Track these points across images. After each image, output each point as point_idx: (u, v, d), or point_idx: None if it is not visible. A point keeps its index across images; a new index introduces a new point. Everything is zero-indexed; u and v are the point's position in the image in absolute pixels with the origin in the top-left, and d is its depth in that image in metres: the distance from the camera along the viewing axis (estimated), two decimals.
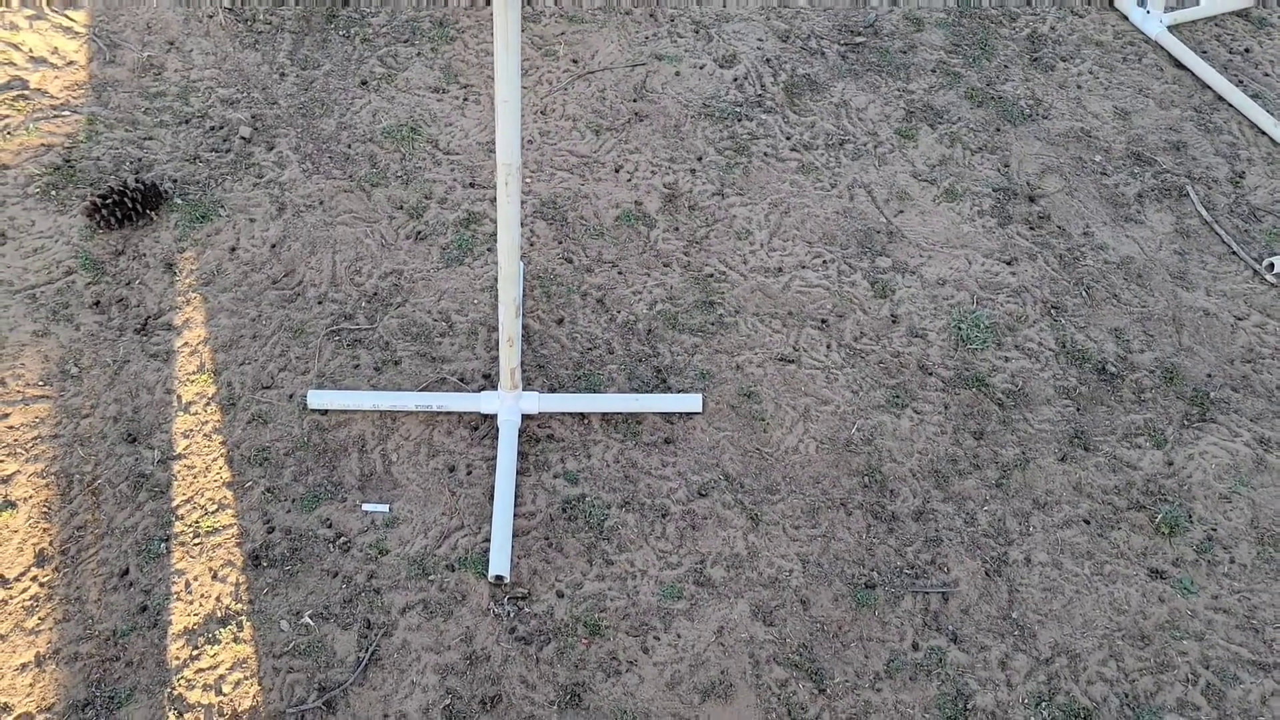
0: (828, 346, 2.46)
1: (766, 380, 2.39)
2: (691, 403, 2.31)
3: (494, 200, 2.66)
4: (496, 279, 2.48)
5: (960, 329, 2.51)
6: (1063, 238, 2.72)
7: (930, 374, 2.43)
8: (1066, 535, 2.21)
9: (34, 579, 1.98)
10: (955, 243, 2.69)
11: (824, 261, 2.63)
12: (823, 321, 2.51)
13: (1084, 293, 2.61)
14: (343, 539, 2.08)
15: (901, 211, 2.75)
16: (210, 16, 2.94)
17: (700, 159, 2.82)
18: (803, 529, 2.17)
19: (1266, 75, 3.19)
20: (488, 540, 2.09)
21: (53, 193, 2.51)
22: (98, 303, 2.35)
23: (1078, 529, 2.22)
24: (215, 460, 2.16)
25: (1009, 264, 2.66)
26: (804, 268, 2.61)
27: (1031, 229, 2.74)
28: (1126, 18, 3.31)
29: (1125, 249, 2.72)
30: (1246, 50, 3.26)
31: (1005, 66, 3.15)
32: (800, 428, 2.32)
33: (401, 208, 2.62)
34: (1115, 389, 2.45)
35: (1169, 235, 2.76)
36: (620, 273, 2.57)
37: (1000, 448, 2.32)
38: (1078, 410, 2.40)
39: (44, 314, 2.31)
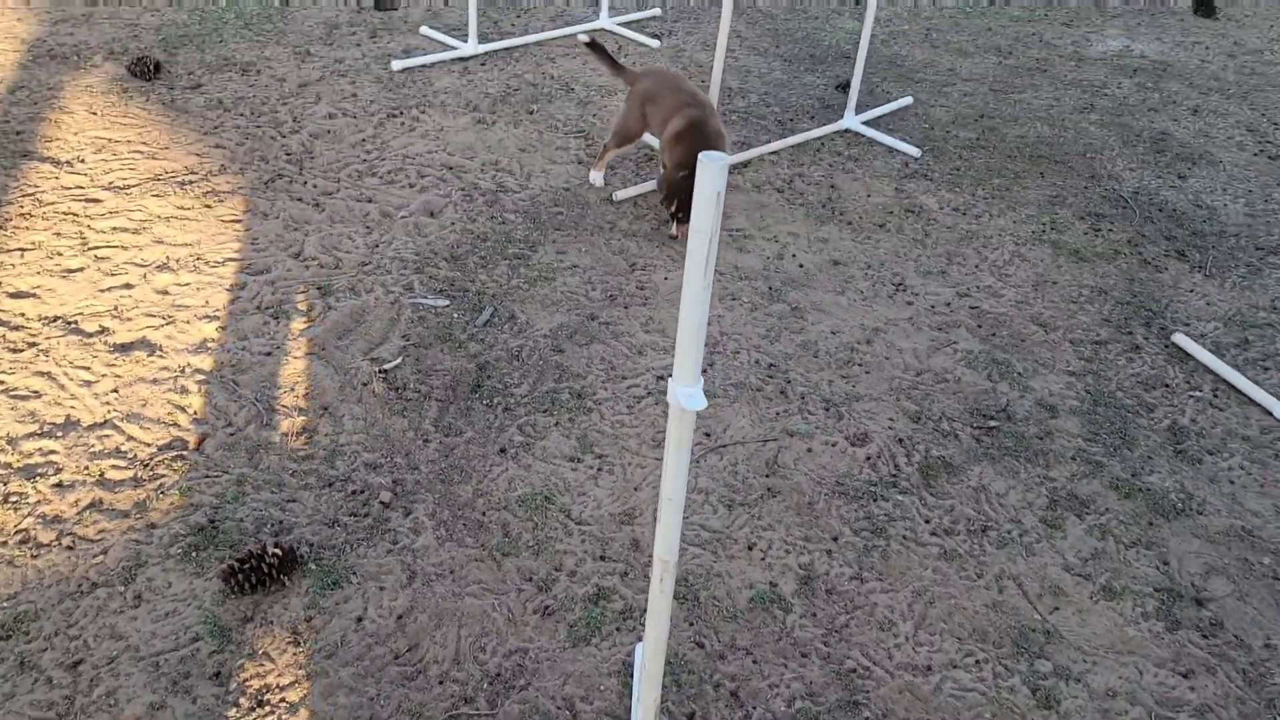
0: None
1: None
2: None
3: (623, 574, 2.58)
4: (632, 672, 2.35)
5: None
6: (1242, 650, 2.49)
7: None
8: None
9: None
10: (1121, 648, 2.48)
11: (977, 661, 2.43)
12: None
13: (1278, 718, 2.34)
14: None
15: (1057, 608, 2.57)
16: (365, 384, 3.10)
17: (836, 539, 2.74)
18: None
19: None
20: None
21: (193, 554, 2.53)
22: (218, 674, 2.28)
23: None
24: None
25: (1185, 677, 2.42)
26: (955, 667, 2.42)
27: (1205, 637, 2.51)
28: (1270, 414, 3.23)
29: None
30: None
31: (1149, 457, 3.06)
32: None
33: (530, 579, 2.56)
34: None
35: None
36: (755, 662, 2.41)
37: None
38: None
39: (164, 684, 2.24)
